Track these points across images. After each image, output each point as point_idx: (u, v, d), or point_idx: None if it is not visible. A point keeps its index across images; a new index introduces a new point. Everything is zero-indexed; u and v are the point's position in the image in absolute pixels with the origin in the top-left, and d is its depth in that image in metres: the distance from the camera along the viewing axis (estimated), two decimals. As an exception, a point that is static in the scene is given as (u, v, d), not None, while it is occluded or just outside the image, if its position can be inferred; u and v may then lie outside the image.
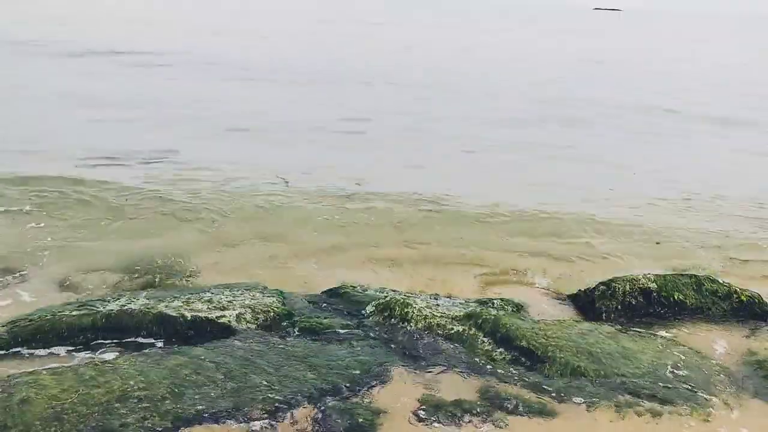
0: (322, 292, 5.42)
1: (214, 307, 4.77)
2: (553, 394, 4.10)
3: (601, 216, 8.00)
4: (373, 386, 4.07)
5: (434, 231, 7.27)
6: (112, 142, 10.51)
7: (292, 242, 6.70)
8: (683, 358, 4.58)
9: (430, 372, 4.27)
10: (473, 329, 4.70)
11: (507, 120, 14.69)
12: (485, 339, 4.62)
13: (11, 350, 4.25)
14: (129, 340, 4.43)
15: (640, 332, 4.95)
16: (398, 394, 4.02)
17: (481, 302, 5.29)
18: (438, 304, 5.11)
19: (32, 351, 4.27)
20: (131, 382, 3.77)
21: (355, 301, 5.20)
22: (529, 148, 12.05)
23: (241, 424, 3.64)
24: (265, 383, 3.97)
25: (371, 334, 4.69)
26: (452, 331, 4.71)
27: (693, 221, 8.13)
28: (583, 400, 4.05)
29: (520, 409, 3.95)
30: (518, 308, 5.34)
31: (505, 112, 15.63)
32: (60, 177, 8.19)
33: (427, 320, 4.80)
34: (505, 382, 4.20)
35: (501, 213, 7.92)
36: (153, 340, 4.44)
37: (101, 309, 4.60)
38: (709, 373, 4.45)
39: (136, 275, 5.66)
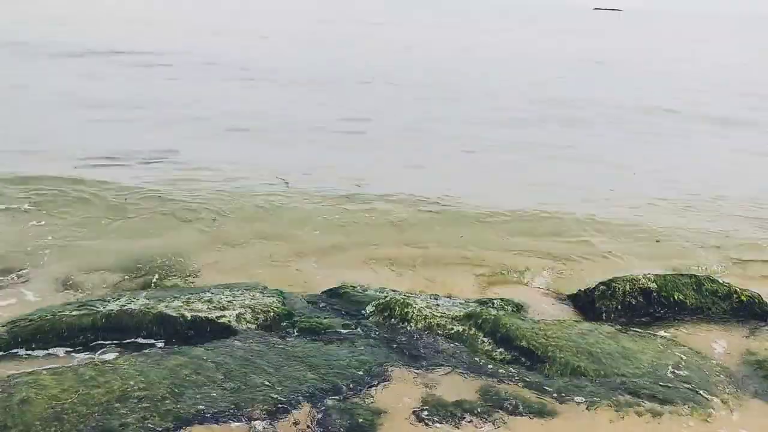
0: (322, 292, 5.42)
1: (214, 307, 4.77)
2: (554, 394, 4.10)
3: (601, 216, 8.00)
4: (373, 386, 4.08)
5: (434, 231, 7.27)
6: (112, 142, 10.51)
7: (292, 242, 6.70)
8: (683, 358, 4.58)
9: (430, 372, 4.27)
10: (473, 329, 4.70)
11: (507, 120, 14.69)
12: (485, 339, 4.62)
13: (11, 350, 4.25)
14: (129, 340, 4.43)
15: (640, 332, 4.96)
16: (398, 394, 4.02)
17: (481, 302, 5.30)
18: (438, 304, 5.11)
19: (32, 351, 4.27)
20: (131, 382, 3.77)
21: (355, 301, 5.20)
22: (529, 148, 12.05)
23: (241, 424, 3.64)
24: (265, 383, 3.97)
25: (371, 334, 4.69)
26: (452, 331, 4.71)
27: (693, 221, 8.13)
28: (583, 400, 4.05)
29: (520, 409, 3.95)
30: (518, 308, 5.34)
31: (505, 112, 15.63)
32: (60, 177, 8.18)
33: (427, 320, 4.80)
34: (505, 382, 4.20)
35: (501, 213, 7.91)
36: (153, 340, 4.44)
37: (101, 309, 4.60)
38: (709, 373, 4.45)
39: (136, 275, 5.67)
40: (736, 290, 5.50)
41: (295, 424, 3.69)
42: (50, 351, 4.28)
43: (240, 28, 38.07)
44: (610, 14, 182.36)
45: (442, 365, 4.35)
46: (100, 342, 4.39)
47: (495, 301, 5.35)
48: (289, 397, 3.87)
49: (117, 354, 4.26)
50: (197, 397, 3.77)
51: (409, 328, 4.76)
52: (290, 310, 4.94)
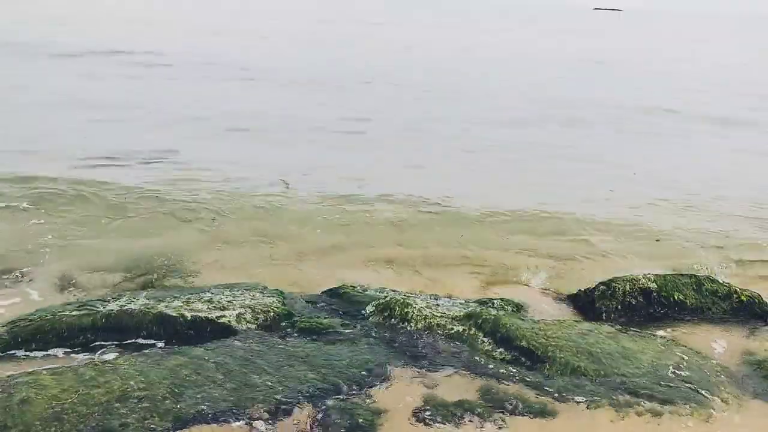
0: (322, 292, 5.42)
1: (214, 307, 4.77)
2: (554, 394, 4.10)
3: (601, 216, 8.01)
4: (373, 386, 4.07)
5: (434, 231, 7.27)
6: (111, 142, 10.51)
7: (292, 242, 6.70)
8: (683, 358, 4.58)
9: (430, 372, 4.27)
10: (473, 329, 4.70)
11: (507, 120, 14.69)
12: (485, 339, 4.62)
13: (11, 350, 4.25)
14: (129, 340, 4.43)
15: (640, 332, 4.96)
16: (398, 394, 4.02)
17: (481, 302, 5.30)
18: (438, 304, 5.11)
19: (32, 351, 4.27)
20: (131, 382, 3.77)
21: (355, 301, 5.20)
22: (529, 148, 12.05)
23: (241, 424, 3.64)
24: (265, 383, 3.97)
25: (371, 334, 4.69)
26: (452, 331, 4.71)
27: (693, 221, 8.13)
28: (583, 400, 4.05)
29: (520, 409, 3.95)
30: (518, 308, 5.34)
31: (505, 112, 15.63)
32: (60, 177, 8.18)
33: (427, 320, 4.80)
34: (506, 382, 4.20)
35: (501, 213, 7.91)
36: (153, 340, 4.44)
37: (101, 309, 4.60)
38: (709, 373, 4.45)
39: (136, 275, 5.67)
40: (736, 290, 5.50)
41: (296, 424, 3.69)
42: (50, 351, 4.28)
43: (240, 28, 38.06)
44: (610, 14, 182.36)
45: (442, 365, 4.35)
46: (100, 342, 4.39)
47: (495, 301, 5.35)
48: (290, 397, 3.87)
49: (117, 354, 4.26)
50: (197, 397, 3.77)
51: (409, 328, 4.76)
52: (290, 310, 4.94)
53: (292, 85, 18.30)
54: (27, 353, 4.25)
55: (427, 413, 3.86)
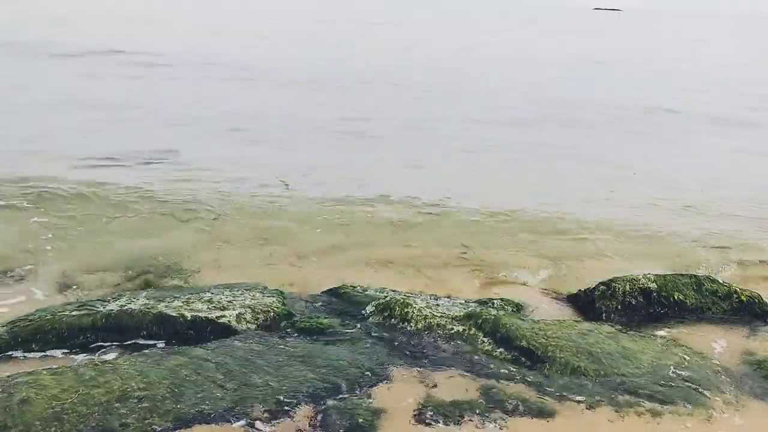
0: (322, 292, 5.42)
1: (214, 307, 4.77)
2: (554, 394, 4.10)
3: (601, 216, 8.01)
4: (373, 386, 4.07)
5: (434, 231, 7.27)
6: (112, 142, 10.51)
7: (292, 242, 6.70)
8: (683, 358, 4.58)
9: (430, 372, 4.27)
10: (473, 329, 4.70)
11: (507, 120, 14.69)
12: (485, 339, 4.62)
13: (11, 350, 4.25)
14: (129, 341, 4.43)
15: (640, 332, 4.96)
16: (398, 394, 4.02)
17: (481, 302, 5.30)
18: (438, 304, 5.11)
19: (32, 351, 4.27)
20: (131, 383, 3.77)
21: (355, 301, 5.20)
22: (529, 148, 12.05)
23: (241, 424, 3.64)
24: (265, 383, 3.97)
25: (371, 334, 4.69)
26: (452, 331, 4.71)
27: (693, 221, 8.13)
28: (583, 400, 4.05)
29: (520, 409, 3.95)
30: (518, 308, 5.34)
31: (505, 112, 15.63)
32: (60, 177, 8.18)
33: (427, 320, 4.80)
34: (505, 382, 4.19)
35: (501, 213, 7.91)
36: (153, 340, 4.44)
37: (101, 309, 4.60)
38: (709, 373, 4.45)
39: (136, 275, 5.67)
40: (736, 290, 5.50)
41: (296, 424, 3.69)
42: (50, 351, 4.28)
43: (240, 28, 38.06)
44: (610, 14, 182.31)
45: (442, 365, 4.35)
46: (100, 342, 4.39)
47: (495, 301, 5.35)
48: (290, 397, 3.87)
49: (117, 354, 4.26)
50: (197, 397, 3.77)
51: (409, 328, 4.76)
52: (290, 310, 4.94)
53: (292, 85, 18.30)
54: (27, 353, 4.26)
55: (427, 413, 3.86)
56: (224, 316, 4.67)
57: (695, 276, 5.65)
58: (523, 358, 4.43)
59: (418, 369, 4.29)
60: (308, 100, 16.07)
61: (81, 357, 4.24)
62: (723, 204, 8.94)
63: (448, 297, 5.45)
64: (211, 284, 5.35)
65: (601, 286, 5.48)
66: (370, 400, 3.93)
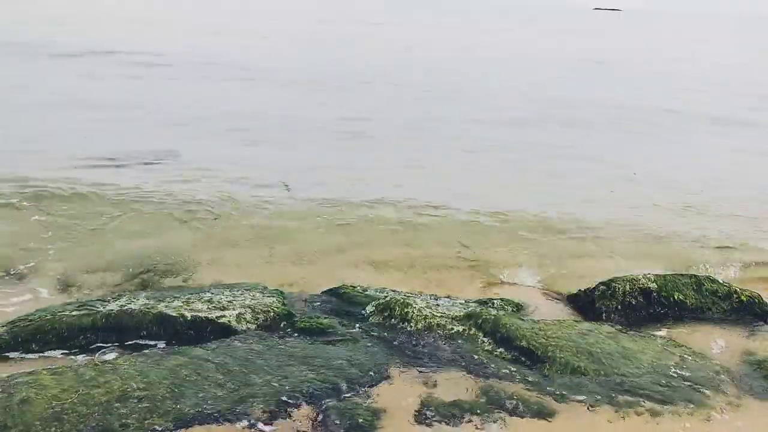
0: (322, 292, 5.42)
1: (214, 307, 4.77)
2: (554, 394, 4.10)
3: (601, 216, 8.01)
4: (373, 386, 4.07)
5: (434, 231, 7.26)
6: (111, 142, 10.51)
7: (292, 242, 6.70)
8: (683, 358, 4.58)
9: (430, 372, 4.27)
10: (473, 329, 4.70)
11: (507, 120, 14.69)
12: (485, 339, 4.62)
13: (11, 350, 4.25)
14: (129, 341, 4.43)
15: (640, 332, 4.96)
16: (398, 394, 4.02)
17: (481, 302, 5.30)
18: (438, 304, 5.11)
19: (32, 351, 4.27)
20: (131, 383, 3.77)
21: (355, 301, 5.20)
22: (529, 148, 12.05)
23: (241, 424, 3.64)
24: (266, 383, 3.97)
25: (371, 334, 4.69)
26: (452, 331, 4.71)
27: (693, 221, 8.13)
28: (583, 400, 4.05)
29: (520, 409, 3.95)
30: (518, 308, 5.34)
31: (505, 112, 15.63)
32: (60, 177, 8.18)
33: (427, 320, 4.80)
34: (506, 382, 4.20)
35: (501, 213, 7.91)
36: (153, 341, 4.44)
37: (101, 309, 4.60)
38: (709, 373, 4.45)
39: (136, 275, 5.67)
40: (736, 290, 5.50)
41: (296, 424, 3.69)
42: (50, 351, 4.28)
43: (240, 28, 38.06)
44: (610, 14, 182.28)
45: (442, 365, 4.35)
46: (100, 342, 4.39)
47: (495, 301, 5.35)
48: (290, 397, 3.87)
49: (117, 354, 4.26)
50: (197, 397, 3.77)
51: (409, 328, 4.76)
52: (290, 310, 4.94)
53: (292, 85, 18.29)
54: (27, 353, 4.25)
55: (427, 413, 3.86)
56: (224, 316, 4.67)
57: (695, 276, 5.65)
58: (523, 358, 4.44)
59: (418, 369, 4.30)
60: (308, 100, 16.07)
61: (81, 357, 4.24)
62: (723, 204, 8.94)
63: (448, 297, 5.45)
64: (211, 284, 5.36)
65: (601, 286, 5.48)
66: (371, 400, 3.93)
